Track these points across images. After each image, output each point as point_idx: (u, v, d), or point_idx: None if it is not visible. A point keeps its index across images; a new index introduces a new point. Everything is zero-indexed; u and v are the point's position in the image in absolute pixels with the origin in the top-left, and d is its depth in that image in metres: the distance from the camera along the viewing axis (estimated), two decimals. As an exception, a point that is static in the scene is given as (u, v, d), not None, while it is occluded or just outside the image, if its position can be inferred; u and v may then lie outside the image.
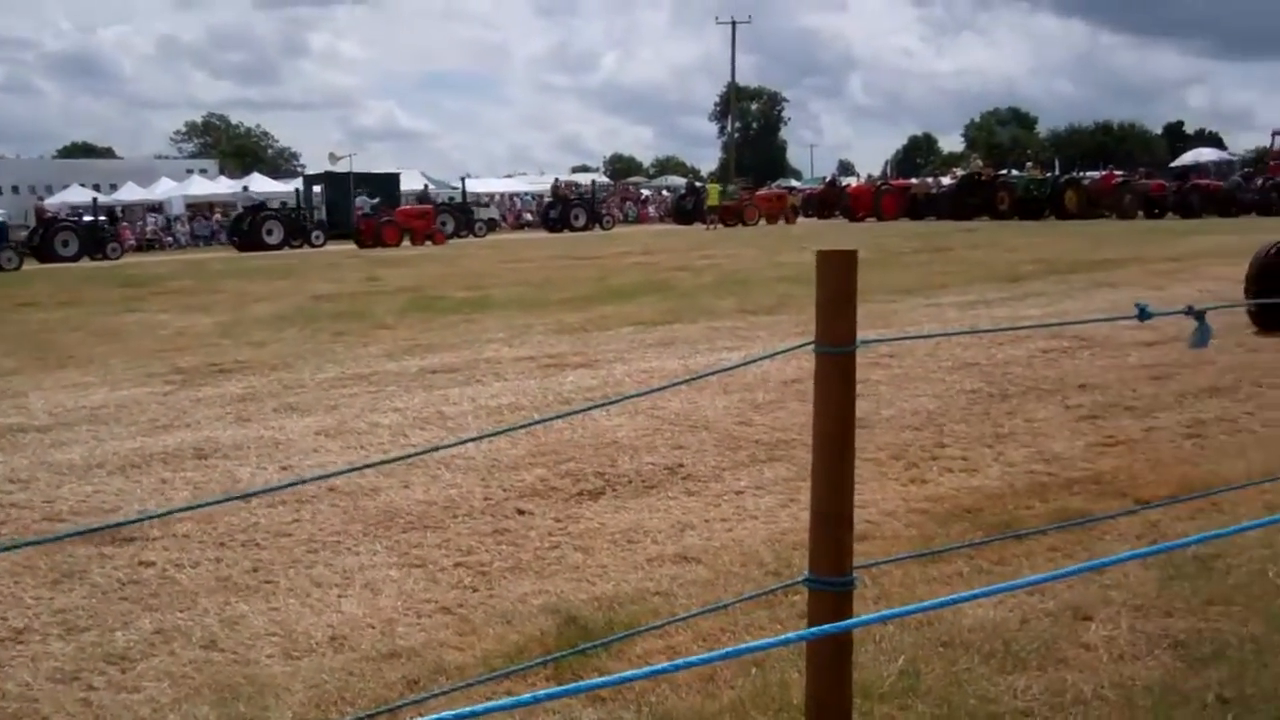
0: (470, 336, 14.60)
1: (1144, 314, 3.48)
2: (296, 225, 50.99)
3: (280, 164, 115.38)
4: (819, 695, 3.29)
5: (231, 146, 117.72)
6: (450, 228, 52.90)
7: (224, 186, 69.76)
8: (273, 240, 48.75)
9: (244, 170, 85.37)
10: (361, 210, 51.14)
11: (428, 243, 47.74)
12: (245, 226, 49.52)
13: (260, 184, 69.65)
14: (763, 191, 66.58)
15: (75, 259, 45.33)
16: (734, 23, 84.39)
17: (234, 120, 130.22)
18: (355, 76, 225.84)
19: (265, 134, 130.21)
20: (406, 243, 47.11)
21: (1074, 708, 4.04)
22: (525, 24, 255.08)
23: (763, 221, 56.78)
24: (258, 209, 50.44)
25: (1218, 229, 34.13)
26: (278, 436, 8.92)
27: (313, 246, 49.66)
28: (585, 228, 57.79)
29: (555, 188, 65.36)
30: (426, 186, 65.55)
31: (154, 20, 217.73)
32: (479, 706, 1.71)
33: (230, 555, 6.08)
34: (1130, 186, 50.75)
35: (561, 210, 59.66)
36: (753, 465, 7.55)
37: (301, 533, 6.41)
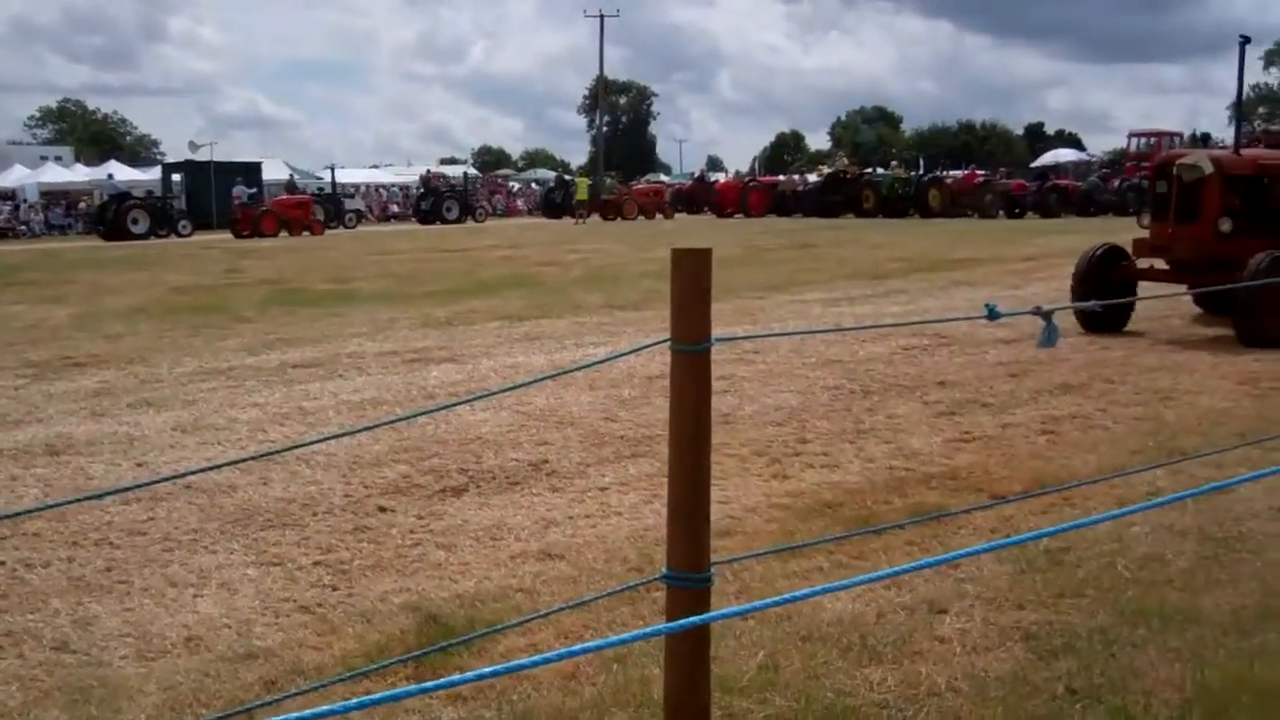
0: (333, 330, 14.41)
1: (993, 314, 3.56)
2: (163, 215, 49.81)
3: (139, 151, 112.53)
4: (678, 690, 3.31)
5: (88, 133, 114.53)
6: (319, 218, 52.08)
7: (80, 174, 67.86)
8: (138, 230, 47.49)
9: (101, 157, 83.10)
10: (239, 199, 49.92)
11: (305, 233, 47.15)
12: (110, 216, 48.30)
13: (119, 172, 67.96)
14: (640, 186, 66.89)
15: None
16: (602, 16, 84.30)
17: (91, 106, 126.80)
18: (216, 62, 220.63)
19: (123, 120, 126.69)
20: (284, 233, 46.56)
21: (928, 700, 4.12)
22: (392, 11, 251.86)
23: (640, 216, 56.98)
24: (122, 198, 49.10)
25: (1075, 229, 35.01)
26: (133, 432, 8.72)
27: (179, 236, 48.52)
28: (458, 220, 57.45)
29: (427, 179, 64.68)
30: (292, 176, 64.41)
31: (4, 2, 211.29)
32: (336, 705, 1.70)
33: (83, 554, 5.93)
34: (991, 186, 51.89)
35: (434, 202, 59.15)
36: (617, 461, 7.57)
37: (157, 531, 6.28)
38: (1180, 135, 53.40)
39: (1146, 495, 6.38)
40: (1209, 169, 12.78)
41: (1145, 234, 13.52)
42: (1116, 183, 50.88)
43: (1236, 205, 12.93)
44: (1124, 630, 4.67)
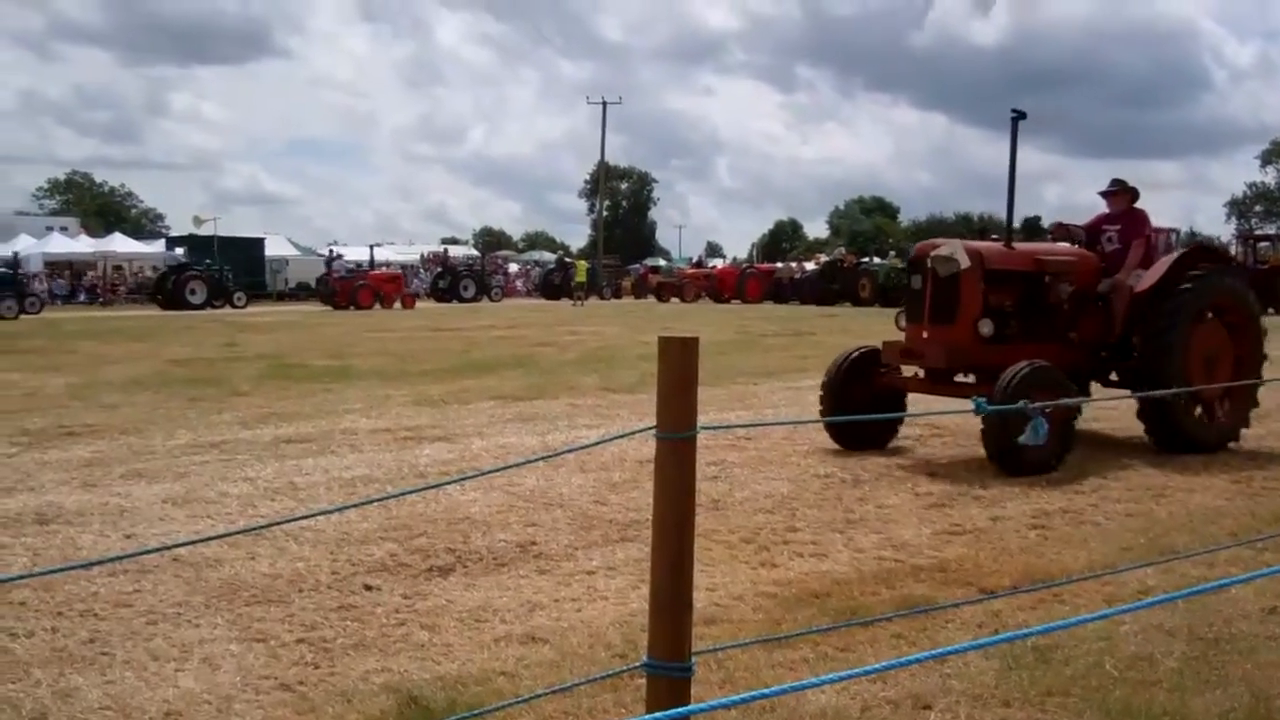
0: (327, 406, 14.42)
1: (980, 409, 3.58)
2: (219, 286, 51.15)
3: (144, 224, 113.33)
4: (656, 781, 3.29)
5: (94, 205, 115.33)
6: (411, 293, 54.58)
7: (85, 245, 68.30)
8: (196, 300, 48.98)
9: (106, 229, 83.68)
10: (338, 273, 53.78)
11: (396, 305, 50.06)
12: (169, 286, 49.24)
13: (122, 244, 68.34)
14: (691, 270, 68.30)
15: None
16: (604, 103, 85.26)
17: (98, 179, 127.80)
18: (219, 138, 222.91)
19: (129, 194, 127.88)
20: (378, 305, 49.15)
21: (909, 795, 4.09)
22: (392, 93, 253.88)
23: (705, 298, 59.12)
24: (181, 269, 50.51)
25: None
26: (123, 503, 8.70)
27: (234, 308, 49.93)
28: (474, 299, 58.35)
29: (444, 258, 65.97)
30: (372, 250, 65.29)
31: (14, 73, 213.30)
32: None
33: (67, 625, 5.90)
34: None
35: (451, 281, 60.88)
36: (605, 545, 7.55)
37: (142, 603, 6.25)
38: (1176, 232, 53.69)
39: (1137, 593, 6.36)
40: (965, 263, 11.09)
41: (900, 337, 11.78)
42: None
43: (1004, 305, 11.46)
44: (1109, 730, 4.64)
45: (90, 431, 12.28)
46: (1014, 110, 11.36)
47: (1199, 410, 11.59)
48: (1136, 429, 11.74)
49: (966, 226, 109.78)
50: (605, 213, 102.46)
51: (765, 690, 2.58)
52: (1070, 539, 7.85)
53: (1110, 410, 13.30)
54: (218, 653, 5.52)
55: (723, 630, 5.79)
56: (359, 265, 59.83)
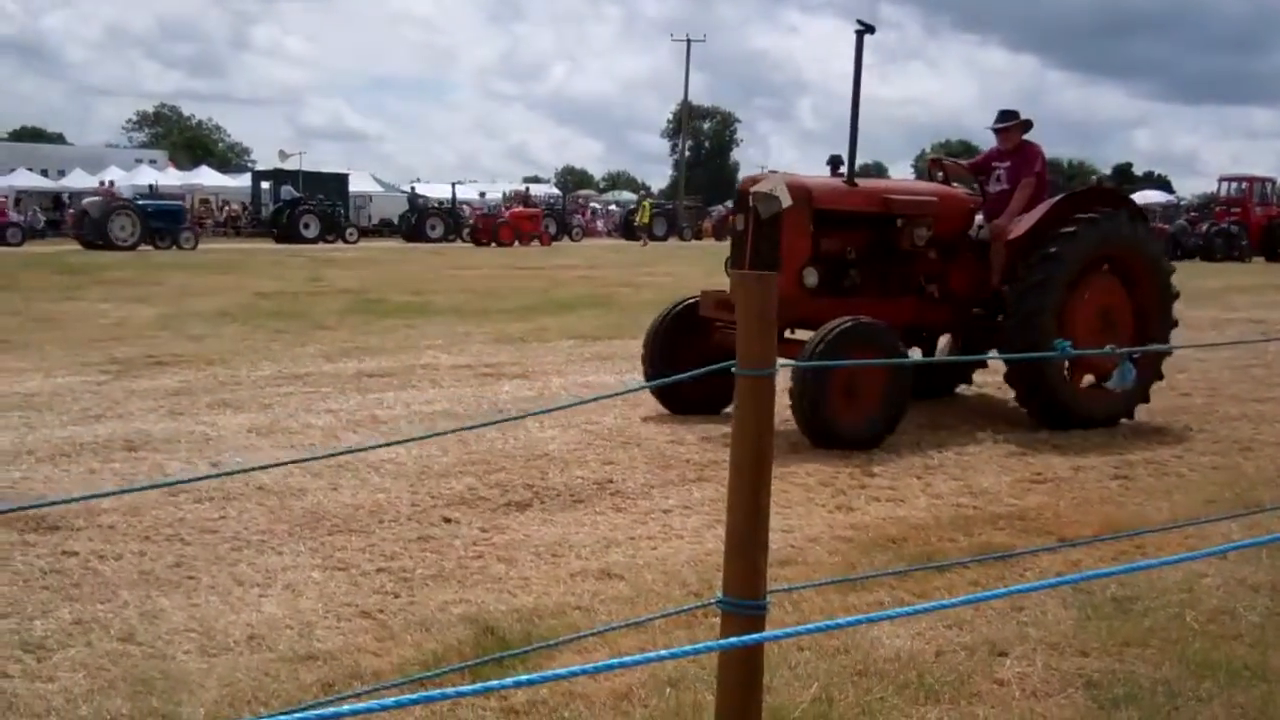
0: (409, 342, 14.55)
1: (1064, 353, 3.53)
2: (332, 221, 52.12)
3: (231, 158, 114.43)
4: (729, 717, 3.31)
5: (182, 139, 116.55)
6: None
7: (171, 178, 69.06)
8: (309, 234, 49.96)
9: (194, 163, 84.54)
10: (481, 210, 56.31)
11: (534, 243, 51.30)
12: (284, 220, 50.56)
13: (209, 178, 69.08)
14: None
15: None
16: (689, 40, 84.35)
17: (186, 112, 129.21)
18: (302, 73, 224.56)
19: (217, 127, 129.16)
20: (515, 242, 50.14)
21: (982, 740, 4.09)
22: (473, 29, 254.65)
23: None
24: (295, 203, 51.33)
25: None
26: (209, 432, 8.86)
27: (346, 242, 50.81)
28: (555, 238, 58.55)
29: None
30: (528, 188, 66.36)
31: (101, 6, 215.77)
32: (389, 700, 1.73)
33: (154, 549, 6.03)
34: (1076, 226, 51.21)
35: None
36: (682, 484, 7.58)
37: (227, 530, 6.37)
38: (1273, 181, 52.44)
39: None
40: (787, 201, 9.30)
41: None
42: (1204, 227, 50.11)
43: (843, 252, 9.84)
44: (1189, 683, 4.60)
45: (177, 361, 12.49)
46: (859, 22, 9.72)
47: (1088, 378, 10.15)
48: (1222, 380, 11.53)
49: (1055, 172, 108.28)
50: (687, 153, 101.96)
51: (838, 621, 2.59)
52: (1153, 490, 7.76)
53: (1200, 360, 13.08)
54: (300, 580, 5.62)
55: (797, 571, 5.80)
56: (497, 204, 61.63)
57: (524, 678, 2.05)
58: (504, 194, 75.55)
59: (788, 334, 9.68)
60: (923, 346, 11.19)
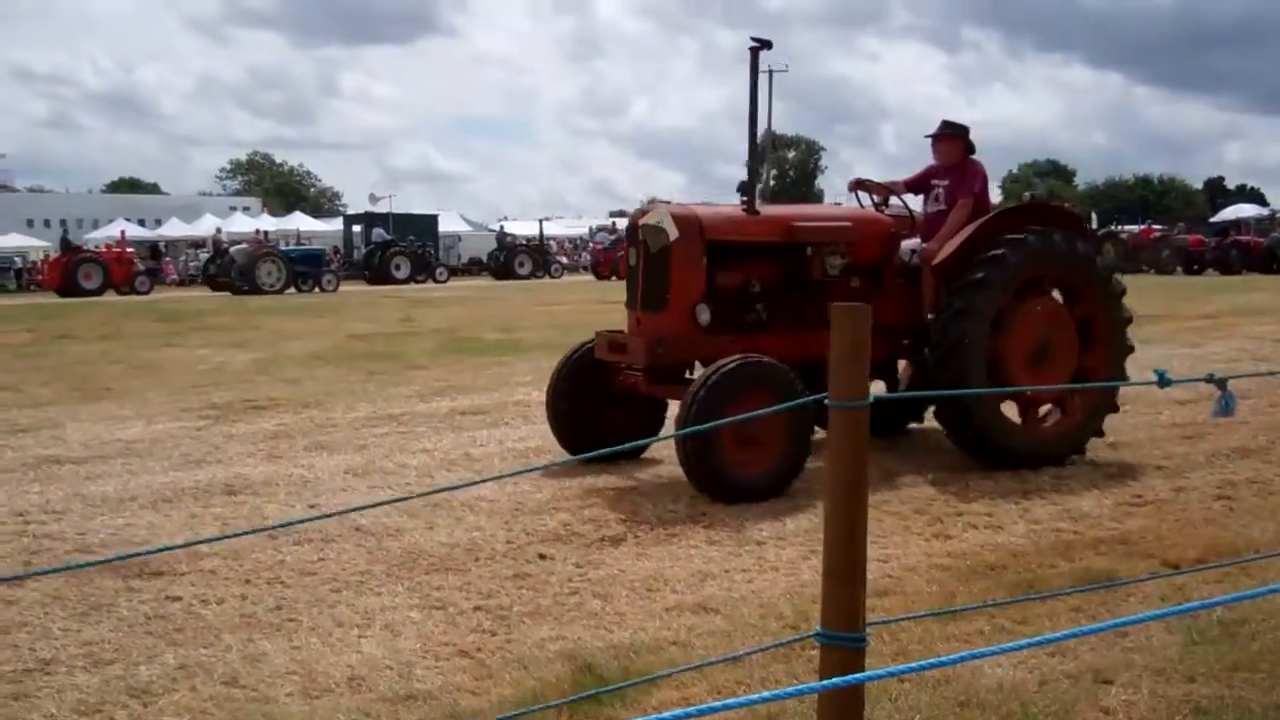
0: (500, 379, 14.65)
1: (1164, 381, 3.47)
2: (423, 262, 53.05)
3: (322, 203, 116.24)
4: (829, 751, 3.28)
5: (274, 185, 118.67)
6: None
7: (267, 224, 70.35)
8: (400, 275, 50.89)
9: (287, 208, 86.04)
10: (600, 245, 58.71)
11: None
12: (376, 261, 51.64)
13: (304, 223, 70.25)
14: None
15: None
16: (771, 71, 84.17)
17: (278, 159, 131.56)
18: (389, 117, 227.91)
19: (308, 173, 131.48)
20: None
21: (1089, 771, 4.02)
22: (554, 67, 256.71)
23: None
24: (387, 245, 52.28)
25: (1256, 286, 33.98)
26: (306, 474, 8.97)
27: (436, 282, 51.76)
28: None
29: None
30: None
31: (192, 59, 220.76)
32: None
33: (255, 592, 6.11)
34: (1168, 241, 50.60)
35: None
36: (775, 516, 7.53)
37: (326, 572, 6.44)
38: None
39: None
40: (673, 233, 8.61)
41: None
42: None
43: (745, 285, 9.02)
44: (1300, 707, 4.50)
45: (274, 405, 12.68)
46: (754, 39, 8.88)
47: (1046, 409, 9.39)
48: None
49: (1147, 188, 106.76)
50: (772, 182, 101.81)
51: (939, 659, 2.56)
52: (1258, 511, 7.59)
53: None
54: (398, 619, 5.66)
55: (896, 602, 5.74)
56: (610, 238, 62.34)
57: None
58: (590, 229, 76.04)
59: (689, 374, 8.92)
60: (882, 378, 10.25)
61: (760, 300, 9.09)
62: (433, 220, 63.35)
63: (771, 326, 9.07)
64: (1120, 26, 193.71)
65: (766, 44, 8.87)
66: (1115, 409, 9.44)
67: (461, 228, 72.90)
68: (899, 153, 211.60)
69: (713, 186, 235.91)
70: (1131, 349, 9.52)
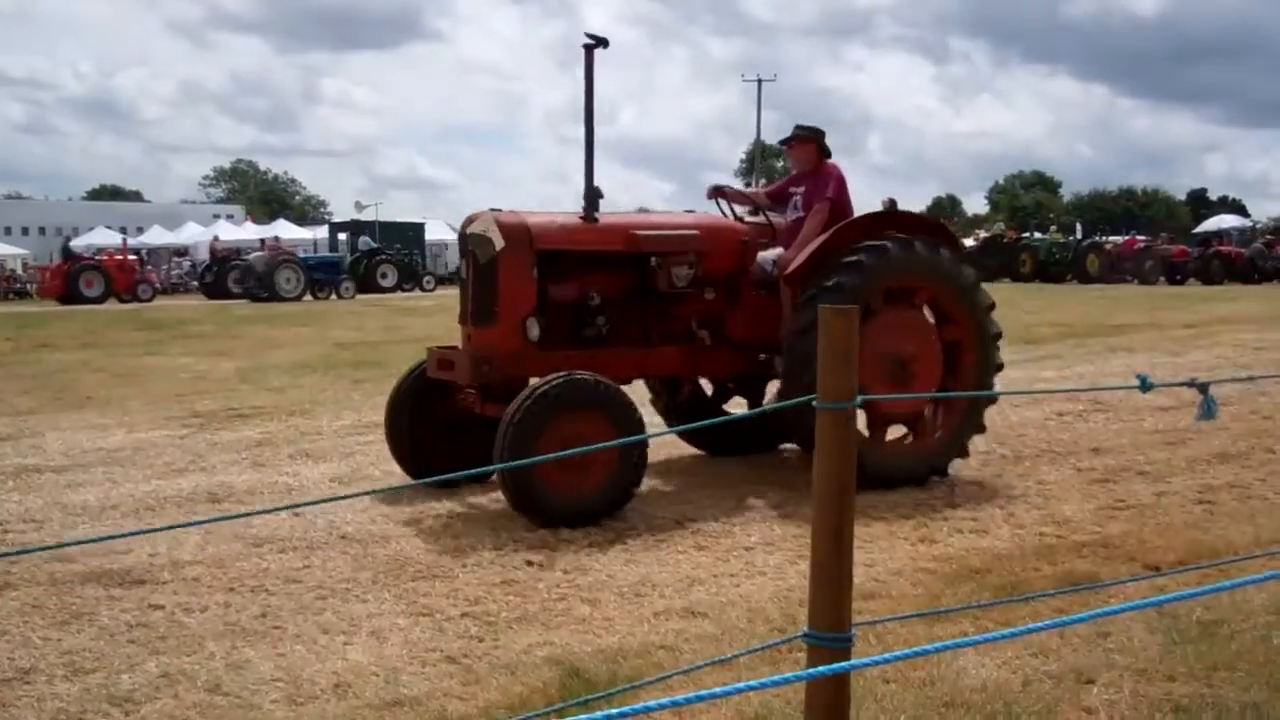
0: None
1: (1146, 385, 3.50)
2: (410, 270, 52.89)
3: (307, 211, 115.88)
4: (816, 751, 3.30)
5: (258, 193, 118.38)
6: None
7: (250, 232, 70.16)
8: (387, 284, 50.62)
9: (270, 216, 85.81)
10: None
11: None
12: (362, 270, 51.41)
13: (287, 231, 70.07)
14: None
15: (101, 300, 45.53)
16: (759, 80, 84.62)
17: (262, 167, 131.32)
18: (374, 124, 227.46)
19: (292, 180, 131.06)
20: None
21: (1073, 771, 4.04)
22: (542, 76, 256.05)
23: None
24: (373, 254, 52.07)
25: (1237, 295, 34.11)
26: (291, 482, 8.96)
27: (423, 290, 51.38)
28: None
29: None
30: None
31: (173, 64, 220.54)
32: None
33: (239, 600, 6.11)
34: (1152, 252, 50.75)
35: None
36: (764, 521, 7.57)
37: (311, 579, 6.44)
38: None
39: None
40: (499, 243, 8.15)
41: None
42: (1281, 250, 49.39)
43: (582, 298, 8.61)
44: (1279, 706, 4.52)
45: (258, 413, 12.65)
46: (589, 35, 8.35)
47: (873, 431, 8.69)
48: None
49: (1131, 200, 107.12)
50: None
51: (923, 648, 2.58)
52: (1237, 515, 7.64)
53: (1263, 393, 12.86)
54: (385, 626, 5.67)
55: (881, 605, 5.77)
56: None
57: (600, 714, 2.06)
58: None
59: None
60: (746, 395, 9.98)
61: (600, 313, 8.65)
62: (419, 229, 63.32)
63: (613, 341, 8.68)
64: (1106, 39, 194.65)
65: (603, 42, 8.33)
66: (982, 429, 8.99)
67: (448, 236, 72.55)
68: (886, 161, 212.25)
69: (702, 196, 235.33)
70: (1000, 366, 9.14)
